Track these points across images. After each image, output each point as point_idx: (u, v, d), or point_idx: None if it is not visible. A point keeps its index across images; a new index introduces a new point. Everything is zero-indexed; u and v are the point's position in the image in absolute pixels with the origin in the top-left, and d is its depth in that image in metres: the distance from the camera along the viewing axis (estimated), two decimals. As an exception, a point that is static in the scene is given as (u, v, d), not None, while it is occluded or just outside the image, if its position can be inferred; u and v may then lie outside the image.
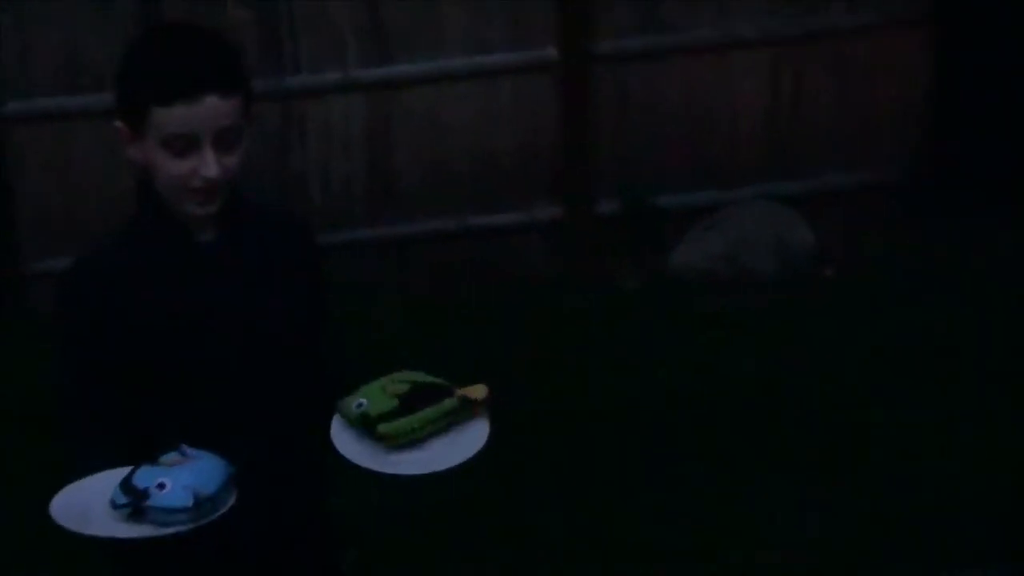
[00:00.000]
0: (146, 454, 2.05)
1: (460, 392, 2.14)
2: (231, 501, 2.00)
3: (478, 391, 2.14)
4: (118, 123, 2.16)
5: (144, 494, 1.94)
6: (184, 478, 1.95)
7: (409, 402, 2.12)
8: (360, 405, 2.13)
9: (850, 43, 6.48)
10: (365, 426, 2.12)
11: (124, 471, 2.00)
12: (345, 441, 2.14)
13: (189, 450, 2.01)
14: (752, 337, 5.63)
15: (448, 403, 2.13)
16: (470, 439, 2.13)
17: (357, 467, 2.12)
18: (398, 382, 2.16)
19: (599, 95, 6.41)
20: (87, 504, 1.98)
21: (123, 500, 1.95)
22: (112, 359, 2.15)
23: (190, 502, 1.94)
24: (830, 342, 5.53)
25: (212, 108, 2.08)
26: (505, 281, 6.29)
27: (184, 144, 2.10)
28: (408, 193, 6.42)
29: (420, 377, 2.18)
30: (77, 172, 6.14)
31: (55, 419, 2.21)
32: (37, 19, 6.05)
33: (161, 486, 1.94)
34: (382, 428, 2.10)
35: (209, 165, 2.10)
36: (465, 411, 2.14)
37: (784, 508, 4.36)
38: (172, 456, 1.99)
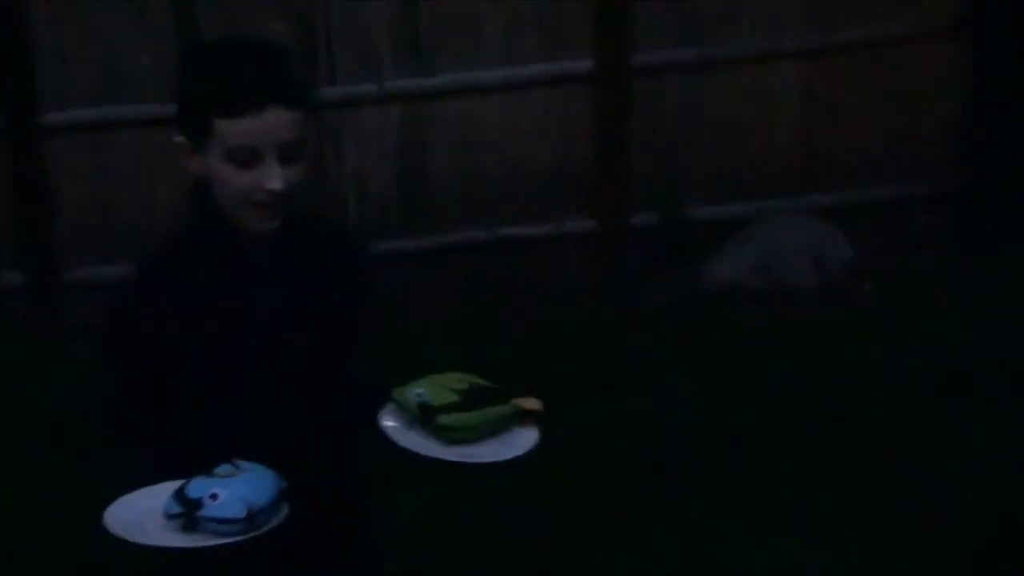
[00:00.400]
0: (195, 460, 2.06)
1: (515, 401, 2.16)
2: (283, 514, 2.02)
3: (533, 403, 2.15)
4: (179, 137, 2.17)
5: (197, 504, 1.96)
6: (237, 489, 1.97)
7: (469, 399, 2.13)
8: (420, 395, 2.13)
9: (887, 54, 6.46)
10: (424, 416, 2.12)
11: (177, 483, 2.02)
12: (394, 427, 2.14)
13: (242, 462, 2.03)
14: (787, 350, 5.61)
15: (507, 408, 2.14)
16: (520, 441, 2.14)
17: (403, 452, 2.11)
18: (454, 380, 2.17)
19: (634, 107, 6.41)
20: (140, 514, 2.00)
21: (176, 509, 1.97)
22: (161, 367, 2.17)
23: (243, 513, 1.96)
24: (866, 356, 5.51)
25: (277, 121, 2.09)
26: (537, 292, 6.29)
27: (248, 156, 2.11)
28: (442, 204, 6.43)
29: (475, 379, 2.19)
30: (115, 182, 6.17)
31: (104, 425, 2.24)
32: (75, 31, 6.09)
33: (214, 497, 1.96)
34: (443, 419, 2.10)
35: (274, 178, 2.11)
36: (517, 420, 2.16)
37: (798, 513, 4.37)
38: (226, 468, 2.01)
